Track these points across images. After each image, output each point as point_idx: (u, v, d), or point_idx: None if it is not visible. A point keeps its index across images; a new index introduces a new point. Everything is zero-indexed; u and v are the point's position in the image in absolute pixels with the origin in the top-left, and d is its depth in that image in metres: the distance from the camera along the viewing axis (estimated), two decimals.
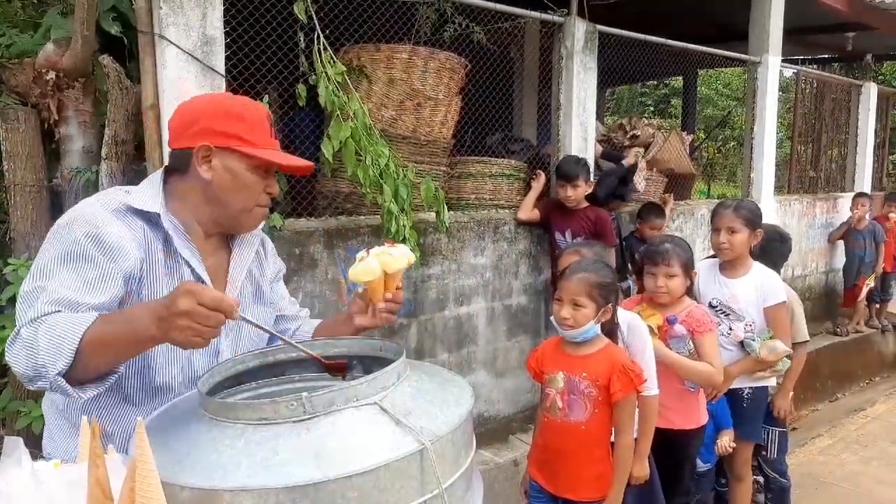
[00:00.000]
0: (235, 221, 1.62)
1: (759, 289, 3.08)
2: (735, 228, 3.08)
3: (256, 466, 1.10)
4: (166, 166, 1.64)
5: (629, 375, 2.31)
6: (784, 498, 3.55)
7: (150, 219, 1.53)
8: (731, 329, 3.12)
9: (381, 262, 1.61)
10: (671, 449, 2.87)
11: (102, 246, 1.43)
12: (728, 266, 3.18)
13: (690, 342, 2.82)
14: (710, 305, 3.17)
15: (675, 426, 2.85)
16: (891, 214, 6.96)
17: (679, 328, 2.81)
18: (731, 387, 3.12)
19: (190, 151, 1.53)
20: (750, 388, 3.19)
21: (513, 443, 4.07)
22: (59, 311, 1.34)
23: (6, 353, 1.34)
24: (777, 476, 3.51)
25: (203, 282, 1.57)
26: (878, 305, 7.36)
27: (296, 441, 1.14)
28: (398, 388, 1.30)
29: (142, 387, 1.52)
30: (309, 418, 1.18)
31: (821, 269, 7.38)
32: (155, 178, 1.59)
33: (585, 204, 4.16)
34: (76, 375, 1.30)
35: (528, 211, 4.21)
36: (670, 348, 2.80)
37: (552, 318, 2.48)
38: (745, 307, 3.10)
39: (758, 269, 3.15)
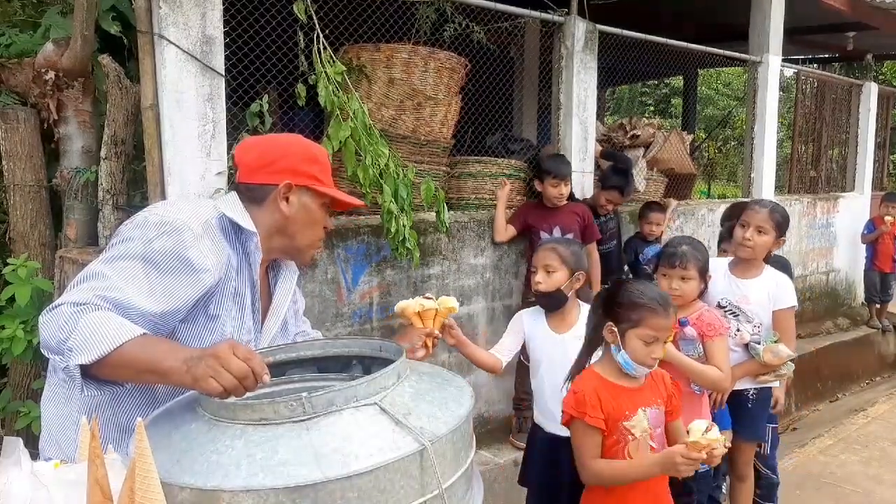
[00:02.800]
0: (299, 252, 1.77)
1: (771, 291, 3.05)
2: (764, 230, 3.02)
3: (256, 467, 1.10)
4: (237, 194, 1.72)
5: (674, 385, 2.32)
6: (773, 493, 3.55)
7: (239, 238, 1.63)
8: (738, 330, 3.08)
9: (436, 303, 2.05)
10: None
11: (185, 265, 1.48)
12: (740, 266, 3.13)
13: (700, 346, 2.79)
14: (719, 305, 3.12)
15: None
16: (886, 217, 6.95)
17: (690, 331, 2.77)
18: (735, 388, 3.09)
19: (269, 187, 1.65)
20: (755, 388, 3.16)
21: (514, 444, 4.06)
22: (108, 309, 1.36)
23: (40, 318, 1.38)
24: (769, 472, 3.50)
25: (258, 308, 1.69)
26: (878, 306, 7.36)
27: (296, 441, 1.14)
28: (398, 388, 1.30)
29: (169, 389, 1.54)
30: (309, 418, 1.18)
31: (821, 269, 7.38)
32: (237, 200, 1.67)
33: (564, 201, 4.15)
34: (89, 369, 1.32)
35: (504, 231, 4.10)
36: (680, 350, 2.78)
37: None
38: (757, 309, 3.06)
39: (771, 272, 3.11)
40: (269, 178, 1.66)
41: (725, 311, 3.10)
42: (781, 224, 3.06)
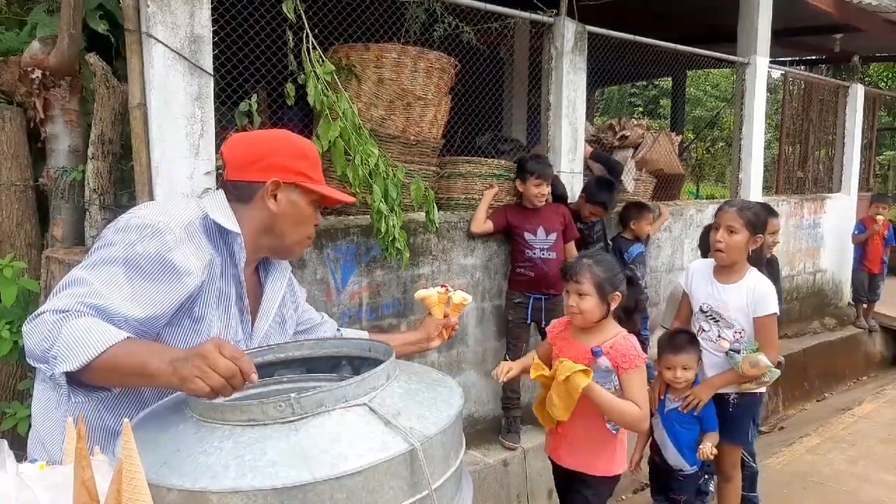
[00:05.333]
0: (288, 250, 1.74)
1: (750, 297, 2.97)
2: (735, 228, 2.94)
3: (244, 468, 1.09)
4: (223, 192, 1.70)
5: None
6: (754, 484, 3.57)
7: (224, 238, 1.60)
8: (719, 336, 3.06)
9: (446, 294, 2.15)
10: (580, 492, 2.64)
11: (168, 269, 1.46)
12: (723, 269, 3.06)
13: (616, 378, 2.51)
14: (701, 310, 3.09)
15: (584, 470, 2.61)
16: (878, 216, 7.01)
17: (603, 361, 2.49)
18: (717, 392, 3.08)
19: (257, 184, 1.63)
20: (736, 393, 3.13)
21: (503, 443, 4.06)
22: (92, 315, 1.35)
23: (24, 327, 1.37)
24: (749, 459, 3.51)
25: (245, 308, 1.67)
26: (865, 306, 7.42)
27: (284, 442, 1.13)
28: (387, 388, 1.30)
29: (157, 392, 1.53)
30: (298, 419, 1.17)
31: (808, 269, 7.43)
32: (222, 199, 1.65)
33: (545, 201, 4.13)
34: (75, 376, 1.31)
35: (482, 224, 4.07)
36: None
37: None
38: (735, 315, 3.00)
39: (752, 276, 3.03)
40: (256, 175, 1.63)
41: (707, 317, 3.06)
42: (753, 222, 2.96)
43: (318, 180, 1.71)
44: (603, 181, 4.59)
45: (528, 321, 4.09)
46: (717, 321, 3.05)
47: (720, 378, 3.05)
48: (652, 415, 3.05)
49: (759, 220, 3.00)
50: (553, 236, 4.05)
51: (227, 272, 1.61)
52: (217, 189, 1.74)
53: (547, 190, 4.05)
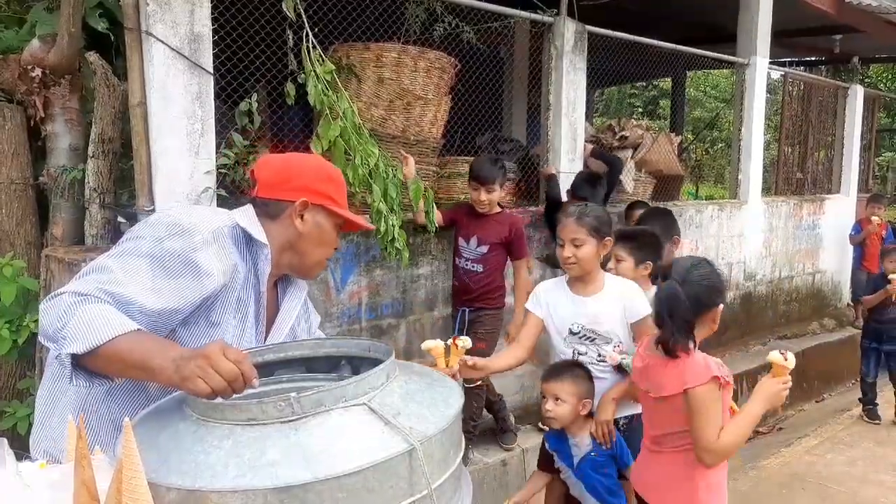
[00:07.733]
0: (307, 270, 1.81)
1: (621, 304, 2.69)
2: (580, 240, 2.65)
3: (244, 467, 1.09)
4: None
5: None
6: None
7: (250, 249, 1.65)
8: (600, 356, 2.71)
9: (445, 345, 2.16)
10: None
11: (190, 267, 1.49)
12: (579, 283, 2.74)
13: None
14: (571, 332, 2.73)
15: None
16: (873, 217, 7.02)
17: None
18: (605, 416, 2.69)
19: (286, 203, 1.70)
20: (626, 416, 2.76)
21: (500, 445, 4.06)
22: (108, 302, 1.37)
23: (41, 305, 1.40)
24: None
25: (261, 321, 1.71)
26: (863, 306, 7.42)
27: (284, 442, 1.14)
28: (387, 388, 1.30)
29: (162, 387, 1.53)
30: (297, 419, 1.17)
31: (808, 270, 7.43)
32: (252, 213, 1.70)
33: (497, 209, 3.80)
34: (80, 359, 1.32)
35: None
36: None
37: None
38: (610, 327, 2.69)
39: (614, 281, 2.78)
40: (286, 194, 1.69)
41: (580, 338, 2.73)
42: (596, 227, 2.68)
43: (343, 205, 1.78)
44: (587, 176, 4.41)
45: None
46: (594, 339, 2.72)
47: (615, 389, 2.69)
48: (559, 472, 2.76)
49: (602, 222, 2.73)
50: (484, 248, 3.71)
51: (249, 282, 1.65)
52: (245, 204, 1.77)
53: (488, 196, 3.64)
